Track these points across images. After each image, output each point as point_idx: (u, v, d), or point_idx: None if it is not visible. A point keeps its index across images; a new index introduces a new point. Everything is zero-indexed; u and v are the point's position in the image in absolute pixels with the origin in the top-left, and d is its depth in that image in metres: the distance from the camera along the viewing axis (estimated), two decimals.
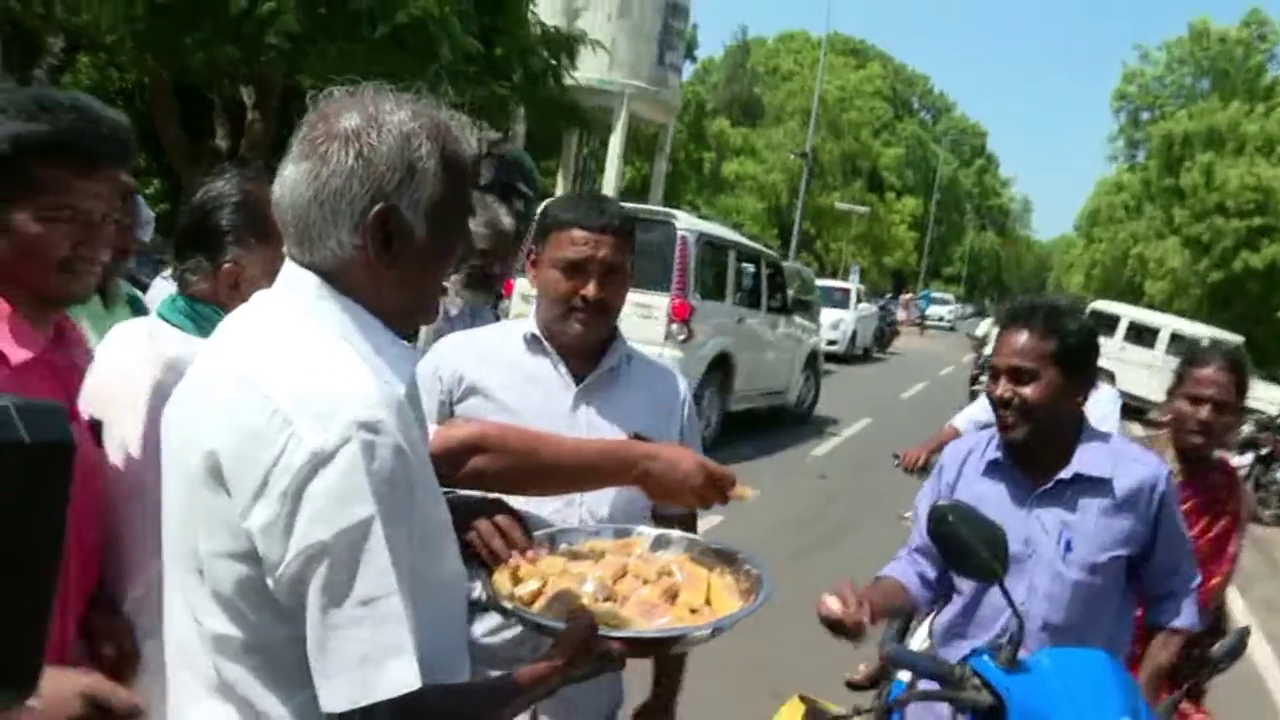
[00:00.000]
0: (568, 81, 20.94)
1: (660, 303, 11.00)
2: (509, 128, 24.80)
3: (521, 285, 11.62)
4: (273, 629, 1.39)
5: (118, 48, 14.07)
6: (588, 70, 25.14)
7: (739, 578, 2.01)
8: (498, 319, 7.08)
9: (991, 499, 2.73)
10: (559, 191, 24.17)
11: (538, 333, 2.47)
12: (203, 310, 2.20)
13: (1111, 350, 22.72)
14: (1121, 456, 2.76)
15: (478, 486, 1.91)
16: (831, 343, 24.71)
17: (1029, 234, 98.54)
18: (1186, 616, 2.82)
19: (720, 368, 11.86)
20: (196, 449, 1.39)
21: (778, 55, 66.70)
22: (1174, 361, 3.60)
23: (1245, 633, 2.66)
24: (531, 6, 20.45)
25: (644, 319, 11.05)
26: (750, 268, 13.05)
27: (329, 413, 1.34)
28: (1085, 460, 2.73)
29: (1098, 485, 2.71)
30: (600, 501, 2.38)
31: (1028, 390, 2.66)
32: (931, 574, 2.88)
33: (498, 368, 2.45)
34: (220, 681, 1.45)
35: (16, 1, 13.61)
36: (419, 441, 1.49)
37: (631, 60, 27.24)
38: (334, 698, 1.34)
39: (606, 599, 1.90)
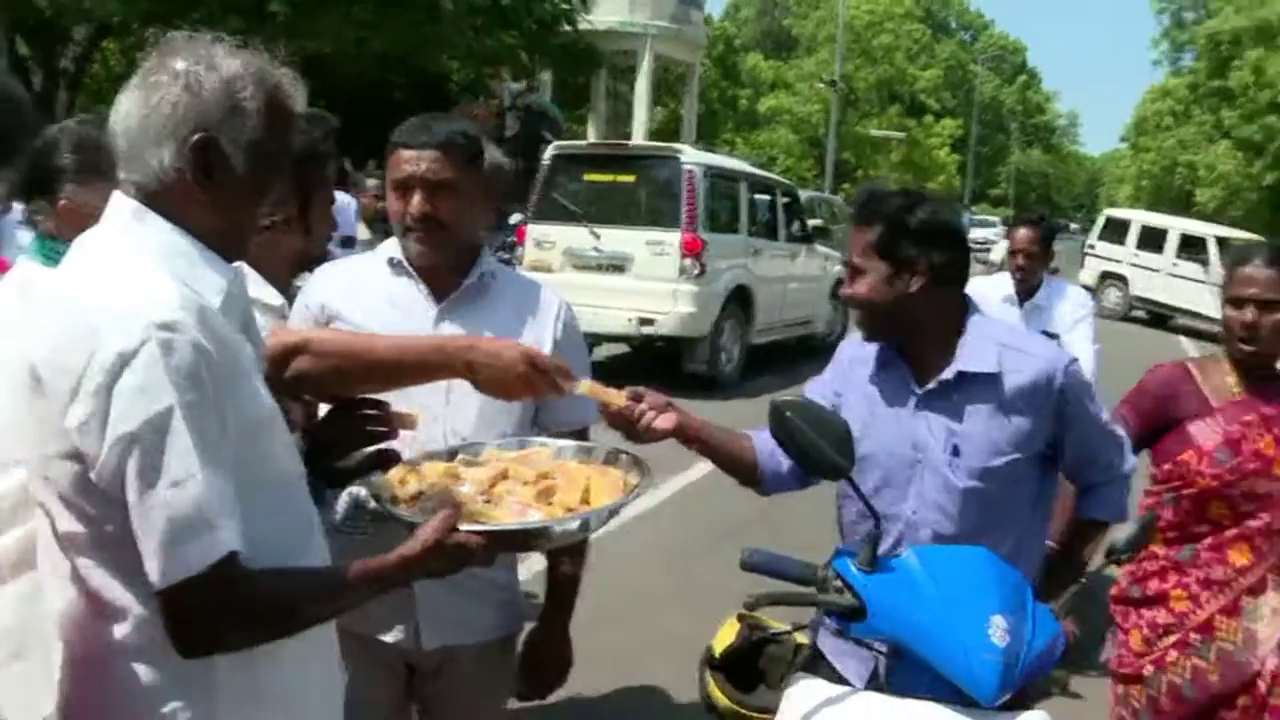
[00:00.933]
0: (586, 26, 20.84)
1: (671, 239, 10.94)
2: (535, 79, 24.83)
3: (534, 231, 11.65)
4: (109, 521, 1.52)
5: (125, 30, 14.17)
6: (608, 13, 25.01)
7: (628, 479, 2.05)
8: (509, 264, 7.06)
9: (880, 398, 2.60)
10: (591, 139, 24.03)
11: (398, 255, 2.50)
12: (56, 246, 2.26)
13: (1164, 266, 22.45)
14: (1011, 349, 2.52)
15: (303, 389, 2.03)
16: None
17: (1078, 149, 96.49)
18: (1107, 508, 2.66)
19: (738, 301, 11.79)
20: (21, 364, 1.54)
21: None
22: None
23: (1152, 520, 2.53)
24: None
25: (656, 256, 11.02)
26: (765, 198, 12.93)
27: (130, 317, 1.47)
28: (969, 356, 2.50)
29: (985, 382, 2.49)
30: (463, 419, 2.43)
31: (861, 288, 2.50)
32: (785, 465, 2.67)
33: (362, 294, 2.49)
34: (74, 574, 1.59)
35: None
36: (234, 345, 1.60)
37: (652, 0, 27.02)
38: (157, 575, 1.46)
39: (485, 500, 1.95)
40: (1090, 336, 5.22)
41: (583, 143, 14.03)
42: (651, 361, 11.59)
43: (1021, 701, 2.13)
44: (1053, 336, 5.29)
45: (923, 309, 2.49)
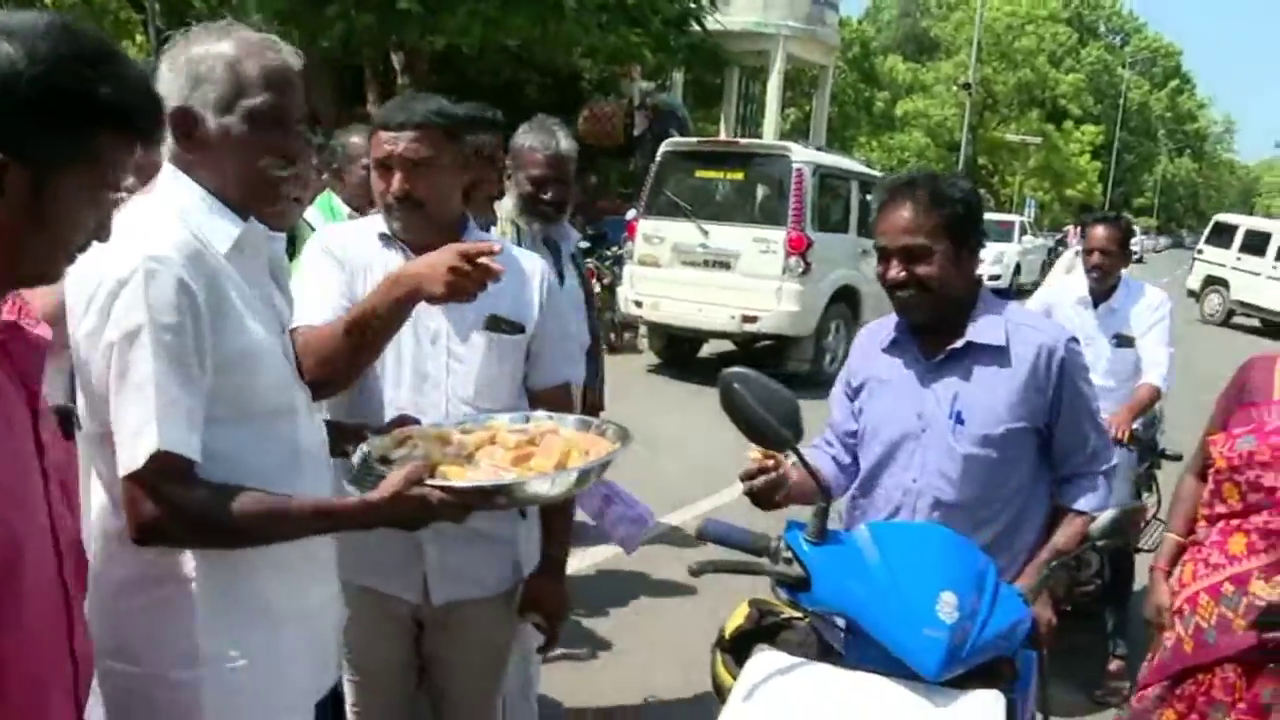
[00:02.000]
0: (717, 27, 20.89)
1: (777, 236, 10.98)
2: (665, 78, 24.97)
3: (644, 226, 11.82)
4: (105, 420, 1.78)
5: (264, 28, 14.75)
6: (740, 14, 25.00)
7: (612, 447, 2.17)
8: (619, 260, 7.11)
9: (892, 375, 2.70)
10: (722, 136, 24.13)
11: (386, 230, 2.59)
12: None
13: (1264, 269, 21.79)
14: (1018, 324, 2.63)
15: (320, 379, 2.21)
16: (994, 277, 24.13)
17: (1232, 157, 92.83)
18: (1090, 499, 2.66)
19: (845, 300, 11.76)
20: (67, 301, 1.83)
21: None
22: None
23: (1131, 511, 2.52)
24: None
25: (762, 253, 11.07)
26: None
27: (131, 252, 1.74)
28: (979, 329, 2.61)
29: (992, 353, 2.60)
30: (463, 383, 2.57)
31: (922, 269, 2.53)
32: (846, 458, 2.85)
33: (372, 276, 2.53)
34: (96, 472, 1.87)
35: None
36: (224, 285, 1.84)
37: (785, 1, 26.90)
38: (121, 464, 1.72)
39: (464, 460, 2.07)
40: (1166, 340, 5.09)
41: (694, 140, 14.10)
42: (756, 359, 11.59)
43: (981, 679, 2.10)
44: (1128, 340, 5.20)
45: (965, 285, 2.62)
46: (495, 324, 2.59)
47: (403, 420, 2.28)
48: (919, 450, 2.63)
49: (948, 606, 2.06)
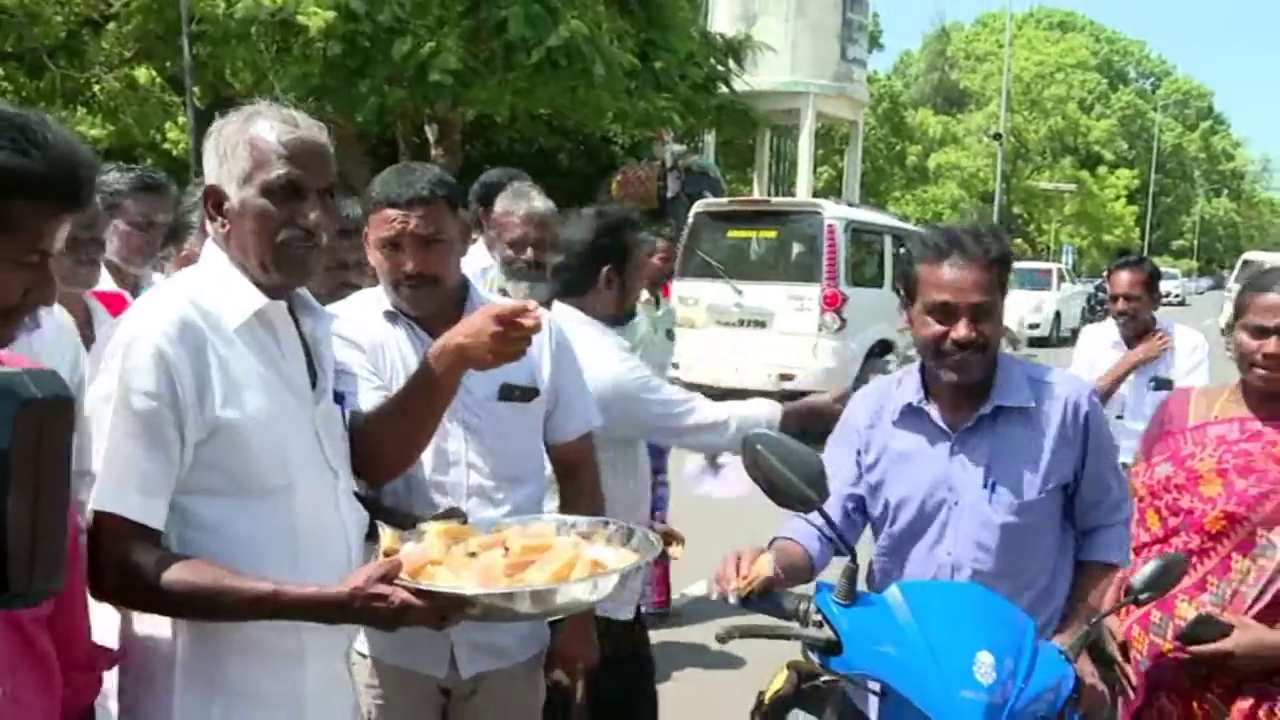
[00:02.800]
0: (746, 87, 21.09)
1: (812, 293, 11.02)
2: (697, 140, 25.18)
3: (679, 288, 11.85)
4: None
5: (300, 105, 15.09)
6: (770, 74, 25.17)
7: (627, 559, 2.02)
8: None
9: (912, 448, 2.56)
10: (755, 195, 24.26)
11: (391, 308, 2.56)
12: None
13: None
14: (1040, 381, 2.56)
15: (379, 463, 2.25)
16: (1033, 325, 23.97)
17: (1272, 195, 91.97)
18: (1119, 551, 2.60)
19: (881, 354, 11.75)
20: None
21: (978, 38, 64.88)
22: None
23: (1177, 561, 2.41)
24: (705, 17, 20.78)
25: (797, 311, 11.11)
26: (904, 252, 12.85)
27: (123, 323, 1.89)
28: (1005, 391, 2.51)
29: (1021, 416, 2.50)
30: (477, 455, 2.54)
31: (987, 327, 2.43)
32: (840, 523, 2.59)
33: (384, 355, 2.55)
34: None
35: (225, 80, 14.93)
36: (211, 359, 1.88)
37: (813, 59, 27.03)
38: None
39: (472, 558, 1.98)
40: (1207, 380, 5.06)
41: (725, 200, 14.23)
42: None
43: None
44: (1166, 383, 5.16)
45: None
46: (509, 393, 2.57)
47: (451, 513, 2.24)
48: (952, 524, 2.52)
49: (985, 667, 2.01)
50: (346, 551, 2.03)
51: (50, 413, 1.29)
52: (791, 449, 2.17)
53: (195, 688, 1.87)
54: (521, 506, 2.53)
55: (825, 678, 2.62)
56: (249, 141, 1.94)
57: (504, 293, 3.59)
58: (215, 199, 1.97)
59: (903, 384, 2.62)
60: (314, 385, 2.07)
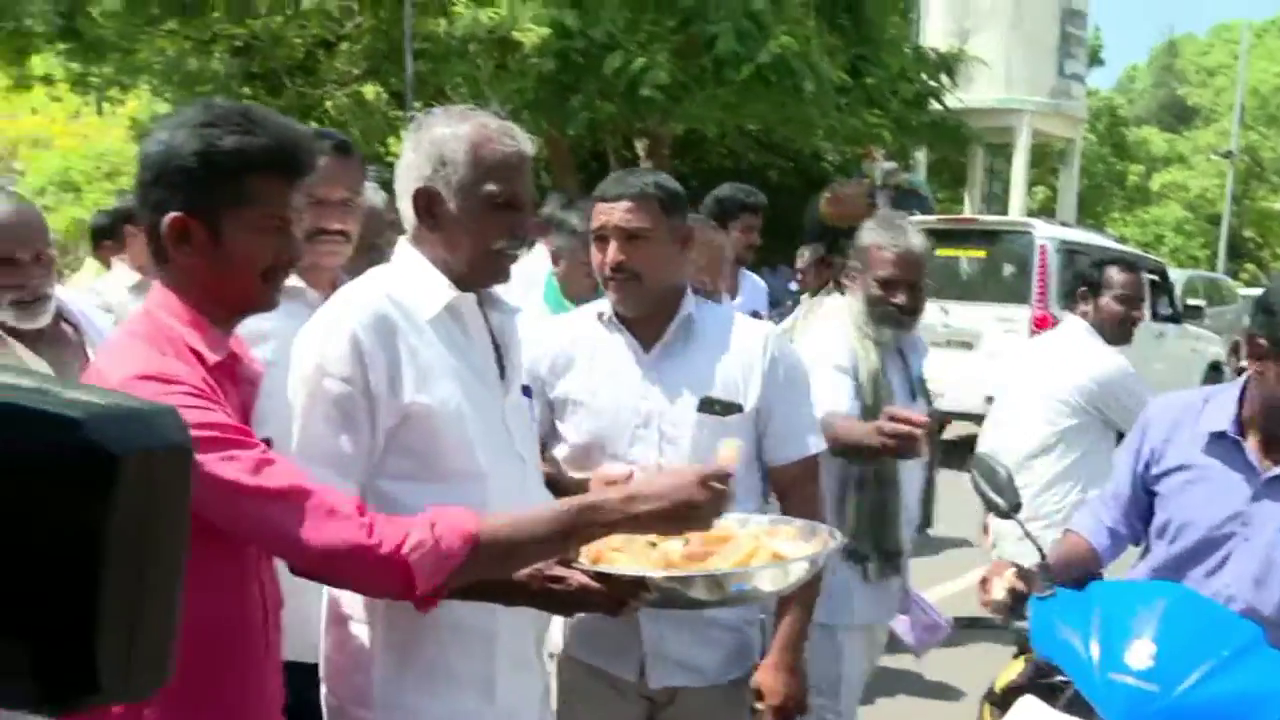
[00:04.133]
0: (959, 104, 20.68)
1: (1021, 315, 10.68)
2: (909, 158, 24.81)
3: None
4: None
5: (515, 118, 15.59)
6: (983, 91, 24.61)
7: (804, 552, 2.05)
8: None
9: (1216, 474, 2.56)
10: (967, 214, 23.73)
11: (607, 311, 2.62)
12: None
13: None
14: None
15: None
16: None
17: None
18: None
19: None
20: None
21: (1210, 50, 61.57)
22: None
23: None
24: (918, 32, 20.42)
25: (1006, 332, 10.78)
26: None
27: (324, 312, 2.04)
28: None
29: None
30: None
31: None
32: (1123, 529, 2.78)
33: (574, 361, 2.64)
34: None
35: (445, 95, 15.60)
36: (408, 346, 1.97)
37: (1029, 75, 26.30)
38: None
39: (652, 547, 2.03)
40: None
41: (933, 218, 13.96)
42: None
43: None
44: None
45: None
46: (709, 405, 2.55)
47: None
48: (1235, 557, 2.50)
49: (1141, 654, 2.06)
50: None
51: (166, 468, 0.85)
52: (984, 462, 2.48)
53: (391, 663, 1.97)
54: None
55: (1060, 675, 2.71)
56: (471, 150, 2.01)
57: (862, 331, 3.31)
58: (428, 201, 2.04)
59: (1211, 406, 2.62)
60: (502, 376, 2.14)
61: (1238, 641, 2.12)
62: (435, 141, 2.03)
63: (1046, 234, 10.95)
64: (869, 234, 3.35)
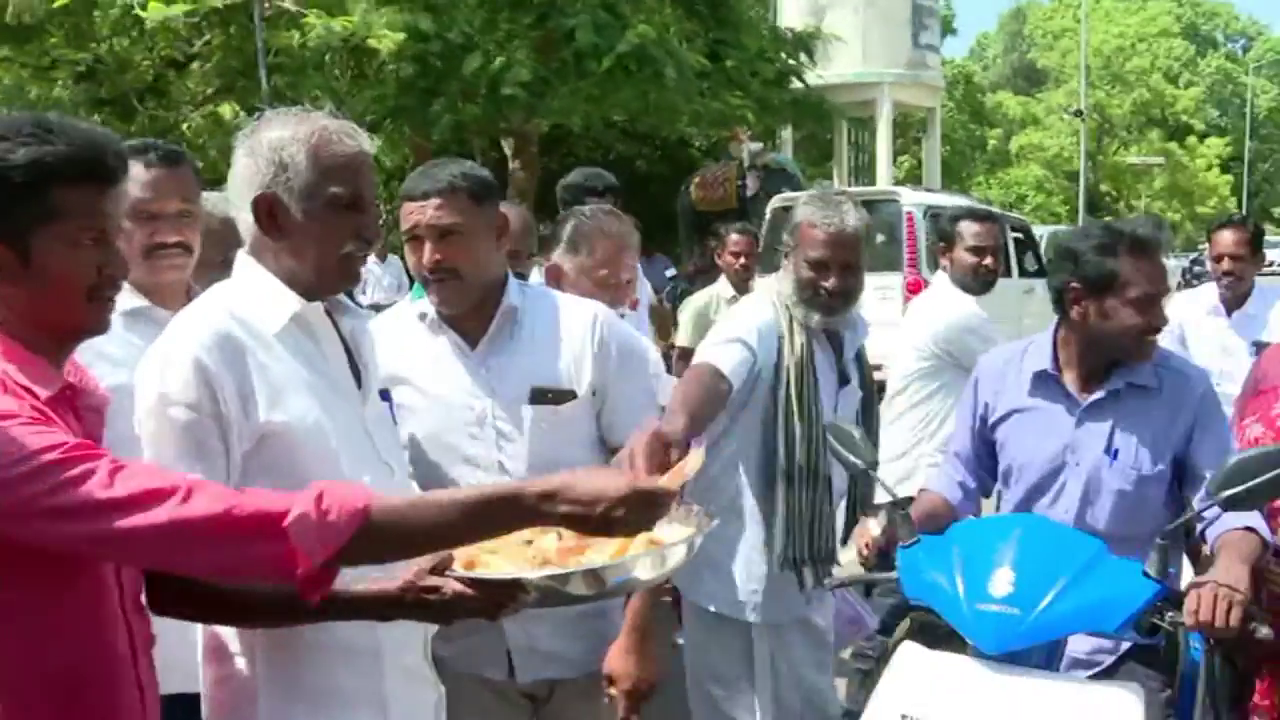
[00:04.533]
0: (819, 81, 20.95)
1: (894, 282, 10.89)
2: (774, 137, 25.07)
3: (761, 284, 11.76)
4: None
5: (377, 127, 15.35)
6: (842, 66, 25.01)
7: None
8: None
9: (1040, 411, 2.82)
10: (835, 187, 24.07)
11: (429, 311, 2.56)
12: None
13: None
14: (1165, 364, 2.77)
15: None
16: None
17: None
18: (1253, 519, 2.54)
19: None
20: None
21: (1055, 15, 63.54)
22: None
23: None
24: (773, 13, 20.60)
25: (881, 300, 10.95)
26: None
27: (162, 338, 1.95)
28: (1133, 370, 2.72)
29: (1145, 394, 2.72)
30: (516, 465, 2.48)
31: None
32: (972, 481, 2.96)
33: (413, 358, 2.56)
34: None
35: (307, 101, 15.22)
36: (253, 365, 1.89)
37: (885, 48, 26.81)
38: None
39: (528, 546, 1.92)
40: None
41: (800, 194, 14.15)
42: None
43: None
44: (1264, 346, 5.00)
45: None
46: (541, 396, 2.49)
47: None
48: (1070, 485, 2.74)
49: (1002, 582, 2.19)
50: None
51: None
52: (836, 427, 2.65)
53: (277, 692, 1.89)
54: None
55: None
56: (313, 153, 1.93)
57: (790, 313, 3.16)
58: (270, 208, 1.94)
59: (1031, 349, 2.89)
60: (359, 384, 2.08)
61: (1085, 557, 2.29)
62: (273, 146, 1.94)
63: (913, 200, 11.20)
64: (803, 210, 3.20)
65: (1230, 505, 2.29)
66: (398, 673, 2.01)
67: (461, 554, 1.83)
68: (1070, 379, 2.80)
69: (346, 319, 2.11)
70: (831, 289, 3.07)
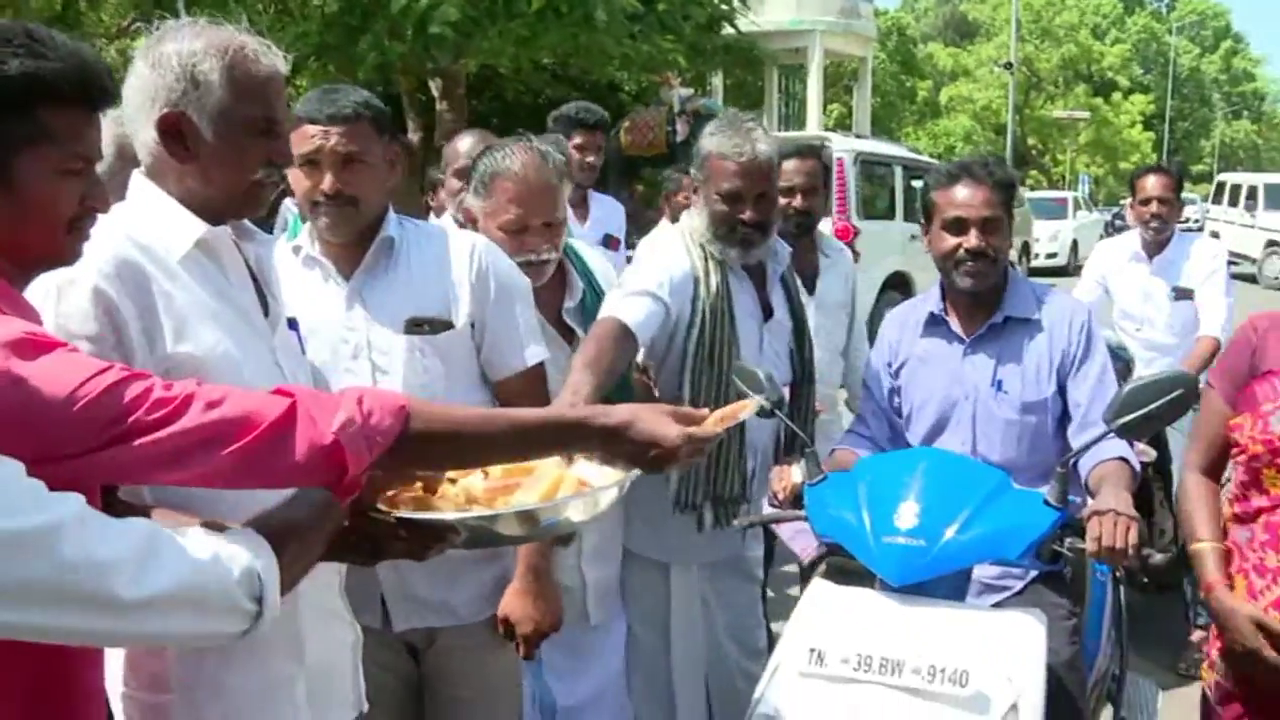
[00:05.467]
0: (753, 28, 20.86)
1: (824, 228, 10.89)
2: (706, 83, 24.95)
3: None
4: None
5: (302, 64, 15.03)
6: (775, 12, 24.96)
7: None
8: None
9: (933, 352, 2.94)
10: None
11: (303, 246, 2.50)
12: None
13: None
14: (1046, 298, 2.89)
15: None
16: (1050, 255, 23.85)
17: None
18: (1127, 452, 2.61)
19: (898, 287, 11.65)
20: None
21: None
22: None
23: (1184, 380, 2.31)
24: None
25: None
26: (922, 184, 12.75)
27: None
28: (1013, 304, 2.85)
29: (1026, 325, 2.85)
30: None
31: (995, 239, 2.81)
32: (883, 435, 3.03)
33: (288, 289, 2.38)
34: None
35: None
36: (160, 291, 1.78)
37: None
38: None
39: (451, 485, 1.86)
40: (1224, 289, 4.99)
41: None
42: None
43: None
44: (1187, 292, 5.09)
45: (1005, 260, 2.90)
46: (416, 326, 2.44)
47: None
48: (966, 419, 2.85)
49: (906, 515, 2.24)
50: None
51: None
52: (741, 368, 2.66)
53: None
54: None
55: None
56: (227, 71, 1.81)
57: (705, 252, 3.05)
58: (177, 127, 1.82)
59: (926, 299, 3.02)
60: (266, 313, 1.99)
61: (987, 488, 2.35)
62: (183, 59, 1.80)
63: (843, 147, 11.23)
64: (709, 141, 3.07)
65: (1125, 433, 2.32)
66: (313, 612, 1.95)
67: (384, 495, 1.76)
68: (956, 318, 2.93)
69: (251, 245, 2.02)
70: (748, 220, 2.98)
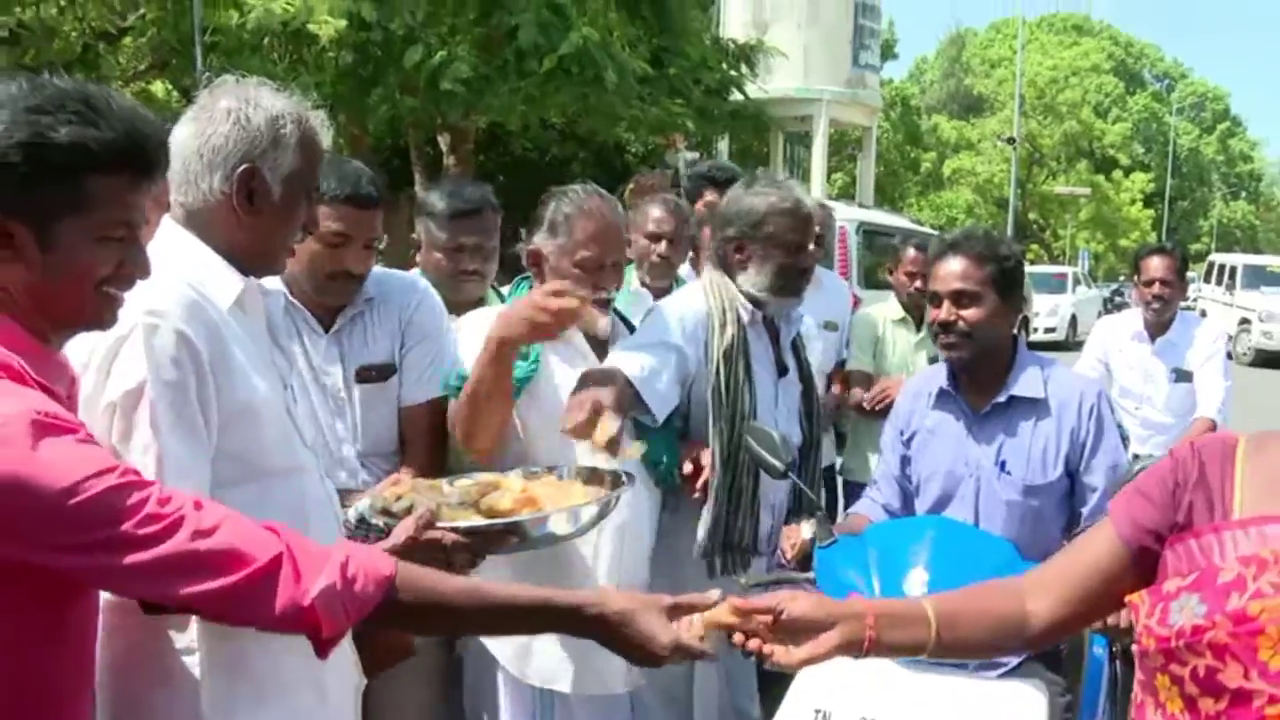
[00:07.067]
0: (759, 94, 21.12)
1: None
2: (712, 147, 25.19)
3: None
4: None
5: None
6: (782, 80, 25.27)
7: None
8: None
9: (942, 426, 2.93)
10: None
11: (289, 295, 2.69)
12: None
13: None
14: (1055, 378, 2.87)
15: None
16: (1049, 329, 23.95)
17: None
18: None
19: None
20: None
21: (992, 44, 64.61)
22: None
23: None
24: (717, 24, 20.73)
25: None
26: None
27: (130, 308, 1.63)
28: (1020, 383, 2.83)
29: (1033, 406, 2.83)
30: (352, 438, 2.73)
31: (969, 313, 2.79)
32: (895, 503, 3.03)
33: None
34: None
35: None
36: (226, 338, 1.80)
37: (826, 66, 27.14)
38: None
39: (474, 506, 2.09)
40: (1223, 371, 5.04)
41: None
42: None
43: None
44: (1186, 375, 5.14)
45: (1006, 340, 2.89)
46: (365, 375, 2.72)
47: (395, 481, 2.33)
48: (968, 496, 2.84)
49: (916, 581, 2.27)
50: (336, 522, 2.03)
51: None
52: (763, 432, 2.66)
53: (220, 681, 1.80)
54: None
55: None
56: (304, 140, 1.90)
57: (723, 306, 3.09)
58: (251, 182, 1.86)
59: (938, 371, 3.01)
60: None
61: (996, 559, 2.38)
62: (271, 119, 1.86)
63: (846, 216, 11.26)
64: (758, 200, 3.08)
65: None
66: (336, 656, 1.97)
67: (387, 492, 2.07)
68: (966, 393, 2.91)
69: (265, 300, 2.09)
70: (805, 267, 3.12)
